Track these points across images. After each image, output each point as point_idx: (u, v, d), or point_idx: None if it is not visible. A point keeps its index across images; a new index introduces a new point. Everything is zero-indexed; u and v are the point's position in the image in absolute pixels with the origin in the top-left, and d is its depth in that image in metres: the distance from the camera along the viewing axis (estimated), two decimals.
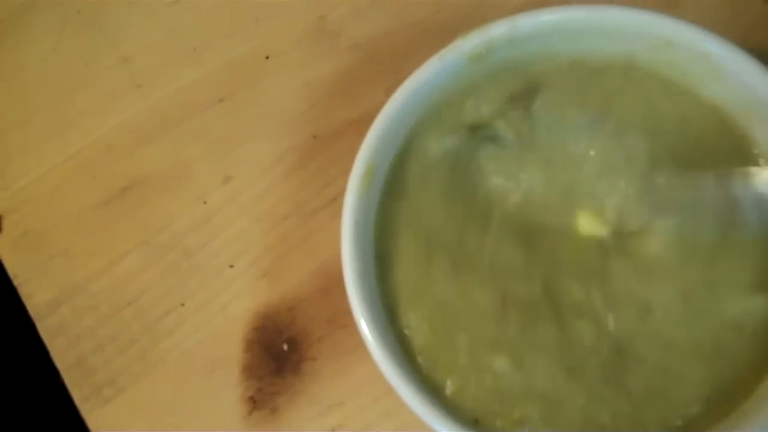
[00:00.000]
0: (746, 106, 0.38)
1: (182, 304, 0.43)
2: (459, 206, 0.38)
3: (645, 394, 0.35)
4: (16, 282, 0.44)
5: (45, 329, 0.43)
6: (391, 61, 0.47)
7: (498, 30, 0.39)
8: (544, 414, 0.35)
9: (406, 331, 0.37)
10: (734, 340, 0.35)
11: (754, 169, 0.38)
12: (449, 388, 0.36)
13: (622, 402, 0.35)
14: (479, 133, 0.40)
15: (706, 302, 0.36)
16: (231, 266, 0.43)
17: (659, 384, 0.35)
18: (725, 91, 0.39)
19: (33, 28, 0.50)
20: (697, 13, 0.45)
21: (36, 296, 0.44)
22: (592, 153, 0.39)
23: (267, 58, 0.48)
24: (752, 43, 0.40)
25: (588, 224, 0.38)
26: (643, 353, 0.35)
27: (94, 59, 0.49)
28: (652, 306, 0.36)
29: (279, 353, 0.42)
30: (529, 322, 0.36)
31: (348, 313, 0.36)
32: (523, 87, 0.40)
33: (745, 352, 0.35)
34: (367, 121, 0.40)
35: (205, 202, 0.45)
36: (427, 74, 0.39)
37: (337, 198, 0.44)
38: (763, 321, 0.35)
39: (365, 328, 0.35)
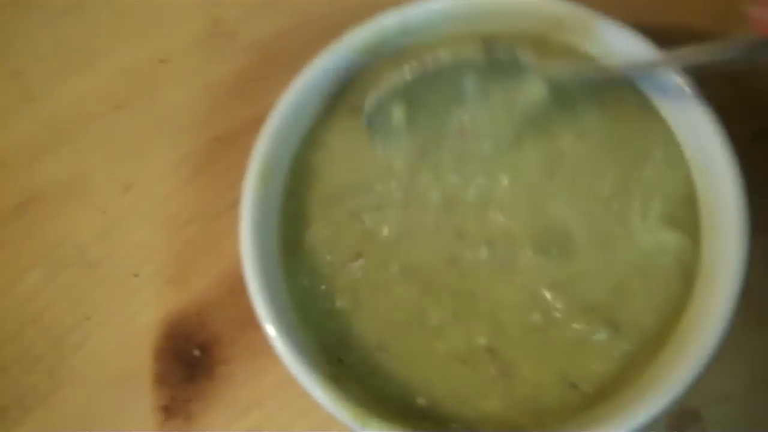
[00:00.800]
0: None
1: (88, 318, 0.42)
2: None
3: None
4: None
5: None
6: (289, 58, 0.46)
7: (388, 20, 0.39)
8: None
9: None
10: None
11: None
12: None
13: None
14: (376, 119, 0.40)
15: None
16: (136, 275, 0.43)
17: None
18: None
19: None
20: None
21: None
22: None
23: (162, 61, 0.47)
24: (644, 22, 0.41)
25: None
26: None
27: None
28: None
29: (191, 359, 0.41)
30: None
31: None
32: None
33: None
34: (266, 120, 0.39)
35: (105, 213, 0.44)
36: (318, 70, 0.38)
37: (240, 200, 0.43)
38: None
39: (270, 327, 0.35)
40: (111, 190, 0.44)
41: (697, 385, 0.37)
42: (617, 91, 0.39)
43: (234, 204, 0.43)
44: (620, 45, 0.38)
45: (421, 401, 0.36)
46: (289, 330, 0.36)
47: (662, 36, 0.38)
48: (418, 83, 0.38)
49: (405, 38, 0.40)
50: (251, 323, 0.41)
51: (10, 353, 0.42)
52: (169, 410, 0.40)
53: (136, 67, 0.47)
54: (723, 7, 0.44)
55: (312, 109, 0.39)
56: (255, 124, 0.44)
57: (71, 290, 0.43)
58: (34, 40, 0.48)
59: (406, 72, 0.38)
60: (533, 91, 0.37)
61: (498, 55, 0.37)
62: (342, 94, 0.41)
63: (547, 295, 0.36)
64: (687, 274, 0.36)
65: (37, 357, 0.42)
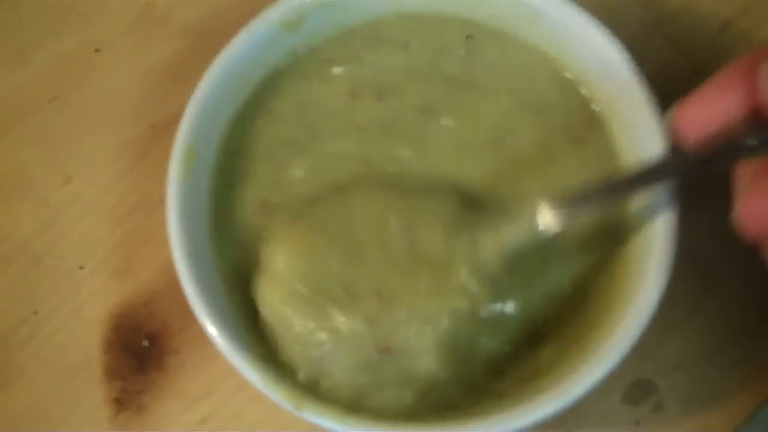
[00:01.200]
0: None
1: (35, 313, 0.42)
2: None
3: None
4: None
5: None
6: (224, 41, 0.46)
7: None
8: None
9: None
10: None
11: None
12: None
13: None
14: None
15: None
16: (81, 268, 0.42)
17: None
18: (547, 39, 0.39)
19: None
20: None
21: None
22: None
23: (97, 50, 0.47)
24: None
25: None
26: None
27: None
28: None
29: (140, 350, 0.41)
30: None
31: None
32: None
33: None
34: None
35: (47, 206, 0.44)
36: (237, 48, 0.38)
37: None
38: None
39: (198, 307, 0.35)
40: (51, 182, 0.44)
41: (650, 355, 0.38)
42: None
43: None
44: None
45: None
46: (220, 313, 0.35)
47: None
48: None
49: (325, 13, 0.40)
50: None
51: None
52: (121, 402, 0.40)
53: (70, 57, 0.47)
54: None
55: (234, 89, 0.39)
56: None
57: (16, 285, 0.42)
58: None
59: None
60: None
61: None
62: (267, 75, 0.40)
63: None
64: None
65: None
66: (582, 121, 0.38)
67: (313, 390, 0.34)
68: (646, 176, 0.33)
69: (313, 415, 0.33)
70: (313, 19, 0.40)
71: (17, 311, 0.42)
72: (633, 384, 0.39)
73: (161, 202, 0.42)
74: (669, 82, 0.37)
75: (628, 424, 0.39)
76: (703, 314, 0.40)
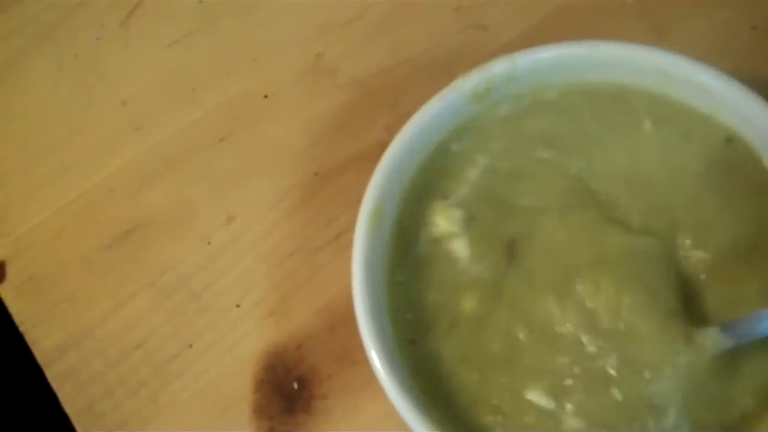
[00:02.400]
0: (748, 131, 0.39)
1: (190, 346, 0.43)
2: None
3: None
4: (22, 328, 0.44)
5: (53, 375, 0.43)
6: (389, 96, 0.47)
7: (498, 68, 0.40)
8: None
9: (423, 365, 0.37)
10: None
11: None
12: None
13: None
14: None
15: None
16: (237, 306, 0.44)
17: None
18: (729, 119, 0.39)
19: (31, 73, 0.50)
20: (687, 42, 0.46)
21: (43, 342, 0.44)
22: None
23: (266, 96, 0.48)
24: (743, 69, 0.41)
25: None
26: None
27: (92, 103, 0.49)
28: None
29: (289, 392, 0.42)
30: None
31: (357, 349, 0.36)
32: None
33: None
34: (367, 156, 0.40)
35: (209, 243, 0.45)
36: (431, 113, 0.39)
37: (342, 234, 0.44)
38: None
39: (377, 361, 0.35)
40: (214, 220, 0.46)
41: None
42: None
43: (334, 239, 0.44)
44: (730, 98, 0.38)
45: None
46: (393, 365, 0.36)
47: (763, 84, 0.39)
48: None
49: (511, 85, 0.41)
50: (349, 359, 0.42)
51: (114, 377, 0.43)
52: None
53: (240, 101, 0.48)
54: None
55: (420, 152, 0.40)
56: (355, 161, 0.46)
57: (174, 318, 0.44)
58: (142, 71, 0.50)
59: None
60: None
61: None
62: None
63: None
64: None
65: (140, 382, 0.43)
66: None
67: None
68: None
69: None
70: (498, 91, 0.40)
71: (174, 343, 0.43)
72: None
73: (320, 249, 0.44)
74: None
75: None
76: None
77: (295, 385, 0.42)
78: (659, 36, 0.47)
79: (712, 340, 0.34)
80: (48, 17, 0.51)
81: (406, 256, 0.39)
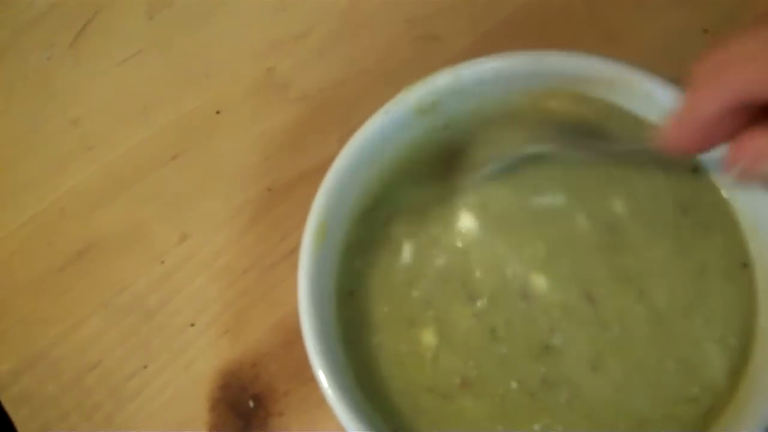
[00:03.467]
0: None
1: (145, 367, 0.43)
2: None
3: None
4: None
5: (8, 399, 0.43)
6: (342, 110, 0.47)
7: (442, 80, 0.40)
8: None
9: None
10: None
11: None
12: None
13: None
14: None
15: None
16: (192, 325, 0.43)
17: None
18: None
19: None
20: (638, 48, 0.46)
21: None
22: None
23: (218, 113, 0.48)
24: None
25: None
26: None
27: (43, 123, 0.49)
28: None
29: (245, 411, 0.42)
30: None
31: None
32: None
33: None
34: (320, 171, 0.40)
35: (162, 262, 0.45)
36: (375, 129, 0.39)
37: (295, 250, 0.43)
38: None
39: (324, 381, 0.35)
40: (168, 239, 0.45)
41: None
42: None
43: (288, 254, 0.44)
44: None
45: None
46: (342, 383, 0.36)
47: None
48: None
49: (456, 98, 0.41)
50: (304, 375, 0.42)
51: (69, 400, 0.43)
52: None
53: (192, 117, 0.48)
54: None
55: (366, 168, 0.40)
56: (308, 175, 0.46)
57: (129, 338, 0.43)
58: (93, 90, 0.49)
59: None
60: None
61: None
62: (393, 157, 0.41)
63: None
64: None
65: (95, 405, 0.42)
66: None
67: None
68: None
69: None
70: (444, 104, 0.40)
71: (129, 364, 0.43)
72: None
73: (273, 265, 0.43)
74: None
75: None
76: None
77: (251, 403, 0.42)
78: (610, 43, 0.47)
79: None
80: None
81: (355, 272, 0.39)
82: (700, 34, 0.48)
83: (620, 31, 0.48)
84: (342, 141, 0.42)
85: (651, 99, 0.39)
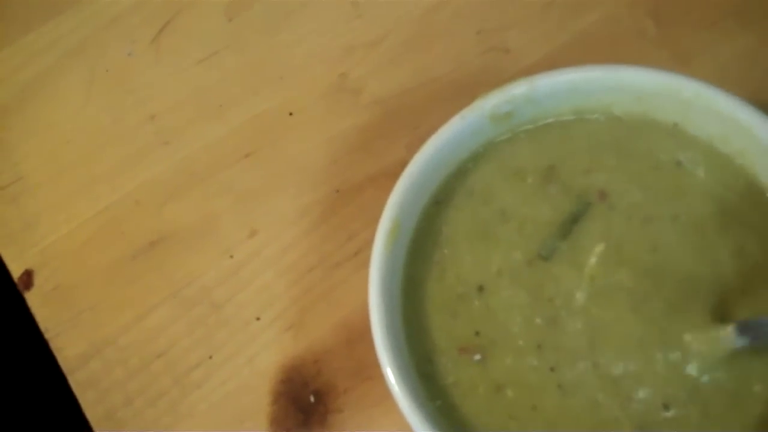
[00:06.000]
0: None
1: (210, 357, 0.44)
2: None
3: None
4: (47, 336, 0.45)
5: (76, 382, 0.44)
6: (410, 117, 0.48)
7: (518, 89, 0.41)
8: None
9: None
10: None
11: None
12: None
13: None
14: None
15: None
16: (257, 319, 0.44)
17: None
18: (744, 148, 0.40)
19: (62, 87, 0.51)
20: (709, 70, 0.46)
21: (67, 350, 0.45)
22: None
23: (291, 114, 0.49)
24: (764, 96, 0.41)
25: None
26: None
27: (121, 117, 0.50)
28: None
29: (306, 405, 0.43)
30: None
31: (373, 365, 0.37)
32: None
33: None
34: (387, 175, 0.41)
35: (231, 256, 0.46)
36: (450, 133, 0.40)
37: (360, 251, 0.45)
38: None
39: (392, 377, 0.36)
40: (237, 234, 0.46)
41: None
42: None
43: (353, 255, 0.45)
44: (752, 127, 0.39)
45: None
46: (408, 381, 0.37)
47: None
48: None
49: (530, 108, 0.41)
50: (365, 374, 0.43)
51: (135, 386, 0.44)
52: None
53: (265, 118, 0.49)
54: None
55: (439, 172, 0.41)
56: (375, 179, 0.46)
57: (195, 329, 0.45)
58: (170, 87, 0.51)
59: None
60: None
61: None
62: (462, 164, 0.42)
63: None
64: None
65: (160, 392, 0.44)
66: None
67: None
68: None
69: None
70: (518, 113, 0.41)
71: (194, 354, 0.44)
72: None
73: (338, 265, 0.44)
74: None
75: None
76: None
77: (312, 399, 0.43)
78: (680, 64, 0.47)
79: (727, 337, 0.35)
80: (80, 33, 0.52)
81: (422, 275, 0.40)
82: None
83: (689, 54, 0.48)
84: (410, 147, 0.44)
85: (731, 120, 0.39)
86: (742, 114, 0.39)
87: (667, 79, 0.40)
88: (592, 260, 0.39)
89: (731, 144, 0.40)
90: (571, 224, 0.40)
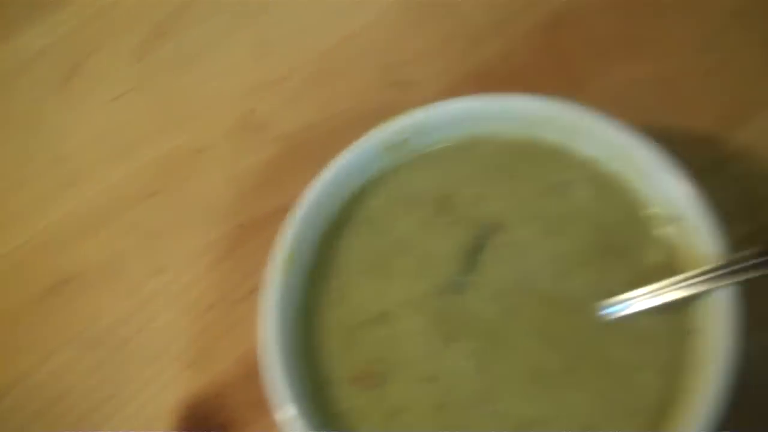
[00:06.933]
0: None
1: (112, 397, 0.44)
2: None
3: None
4: None
5: None
6: (315, 151, 0.48)
7: (411, 119, 0.42)
8: None
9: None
10: None
11: None
12: None
13: None
14: None
15: None
16: (159, 357, 0.44)
17: None
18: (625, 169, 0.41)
19: None
20: (600, 97, 0.47)
21: None
22: None
23: (198, 151, 0.50)
24: (652, 122, 0.42)
25: None
26: None
27: (30, 160, 0.50)
28: None
29: None
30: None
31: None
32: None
33: None
34: (291, 209, 0.41)
35: (135, 294, 0.46)
36: (345, 162, 0.41)
37: (259, 287, 0.45)
38: None
39: (283, 406, 0.36)
40: (143, 272, 0.47)
41: None
42: None
43: (254, 290, 0.45)
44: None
45: None
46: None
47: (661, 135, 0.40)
48: None
49: (424, 137, 0.42)
50: (265, 407, 0.42)
51: (38, 429, 0.43)
52: None
53: (173, 156, 0.50)
54: (723, 112, 0.46)
55: (335, 202, 0.41)
56: (279, 213, 0.46)
57: (98, 370, 0.45)
58: (79, 128, 0.51)
59: None
60: None
61: None
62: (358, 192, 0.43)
63: None
64: None
65: None
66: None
67: None
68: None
69: None
70: (412, 142, 0.42)
71: (96, 394, 0.44)
72: None
73: (239, 300, 0.45)
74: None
75: None
76: None
77: None
78: (573, 91, 0.48)
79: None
80: None
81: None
82: (659, 85, 0.49)
83: (583, 80, 0.49)
84: None
85: (611, 144, 0.41)
86: (622, 137, 0.40)
87: (550, 105, 0.41)
88: (495, 291, 0.40)
89: (613, 165, 0.41)
90: (472, 256, 0.41)
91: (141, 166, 0.50)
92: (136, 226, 0.48)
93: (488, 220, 0.41)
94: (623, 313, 0.38)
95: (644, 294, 0.38)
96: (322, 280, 0.41)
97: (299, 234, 0.40)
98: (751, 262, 0.36)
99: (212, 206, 0.48)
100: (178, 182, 0.49)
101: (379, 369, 0.39)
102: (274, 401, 0.37)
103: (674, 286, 0.37)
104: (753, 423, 0.37)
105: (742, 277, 0.36)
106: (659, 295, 0.38)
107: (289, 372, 0.38)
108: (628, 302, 0.38)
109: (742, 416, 0.34)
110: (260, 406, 0.42)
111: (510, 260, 0.40)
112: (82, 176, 0.50)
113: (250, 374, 0.43)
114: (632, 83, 0.48)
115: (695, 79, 0.48)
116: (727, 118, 0.47)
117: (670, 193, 0.39)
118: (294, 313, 0.40)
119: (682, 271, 0.38)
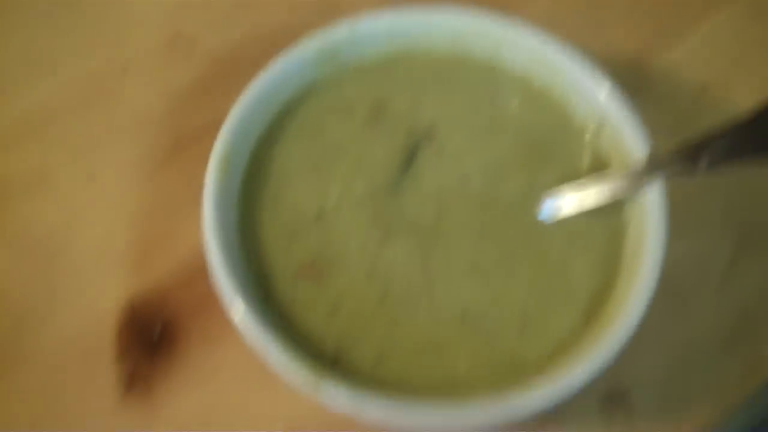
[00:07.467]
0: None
1: (51, 299, 0.44)
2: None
3: None
4: None
5: None
6: (246, 68, 0.50)
7: (340, 31, 0.44)
8: None
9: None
10: None
11: None
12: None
13: None
14: None
15: None
16: (98, 262, 0.45)
17: None
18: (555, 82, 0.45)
19: None
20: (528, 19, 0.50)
21: None
22: None
23: (126, 69, 0.50)
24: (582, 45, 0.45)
25: None
26: None
27: None
28: None
29: (151, 339, 0.44)
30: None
31: (216, 299, 0.39)
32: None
33: None
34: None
35: (70, 202, 0.47)
36: (276, 71, 0.43)
37: (200, 194, 0.46)
38: None
39: (231, 302, 0.38)
40: (75, 180, 0.47)
41: (625, 368, 0.41)
42: None
43: (192, 199, 0.46)
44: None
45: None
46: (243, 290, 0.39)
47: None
48: None
49: (353, 48, 0.45)
50: (208, 308, 0.44)
51: None
52: (131, 384, 0.43)
53: (103, 70, 0.50)
54: (651, 34, 0.51)
55: (267, 110, 0.43)
56: (213, 127, 0.48)
57: (36, 274, 0.45)
58: (7, 41, 0.51)
59: None
60: None
61: None
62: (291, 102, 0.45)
63: None
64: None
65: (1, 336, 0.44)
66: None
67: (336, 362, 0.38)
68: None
69: (335, 385, 0.36)
70: (341, 56, 0.44)
71: (34, 297, 0.45)
72: (608, 395, 0.43)
73: (178, 208, 0.46)
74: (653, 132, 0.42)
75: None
76: (675, 330, 0.44)
77: (158, 330, 0.44)
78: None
79: None
80: None
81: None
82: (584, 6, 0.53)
83: (511, 3, 0.52)
84: None
85: (539, 56, 0.44)
86: (550, 49, 0.44)
87: (477, 18, 0.44)
88: (431, 193, 0.43)
89: (544, 79, 0.44)
90: (407, 160, 0.43)
91: (69, 80, 0.50)
92: (65, 139, 0.49)
93: (422, 127, 0.44)
94: (558, 216, 0.41)
95: (575, 189, 0.41)
96: (260, 183, 0.43)
97: (234, 138, 0.42)
98: (673, 157, 0.39)
99: (145, 119, 0.49)
100: (108, 97, 0.50)
101: (321, 264, 0.41)
102: (222, 297, 0.38)
103: (603, 183, 0.41)
104: None
105: (667, 172, 0.39)
106: (589, 190, 0.41)
107: (234, 268, 0.39)
108: (561, 199, 0.41)
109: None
110: (200, 308, 0.44)
111: (445, 164, 0.43)
112: (11, 89, 0.50)
113: (190, 279, 0.45)
114: (561, 5, 0.51)
115: (624, 2, 0.52)
116: (655, 39, 0.51)
117: (597, 101, 0.43)
118: (235, 214, 0.42)
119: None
